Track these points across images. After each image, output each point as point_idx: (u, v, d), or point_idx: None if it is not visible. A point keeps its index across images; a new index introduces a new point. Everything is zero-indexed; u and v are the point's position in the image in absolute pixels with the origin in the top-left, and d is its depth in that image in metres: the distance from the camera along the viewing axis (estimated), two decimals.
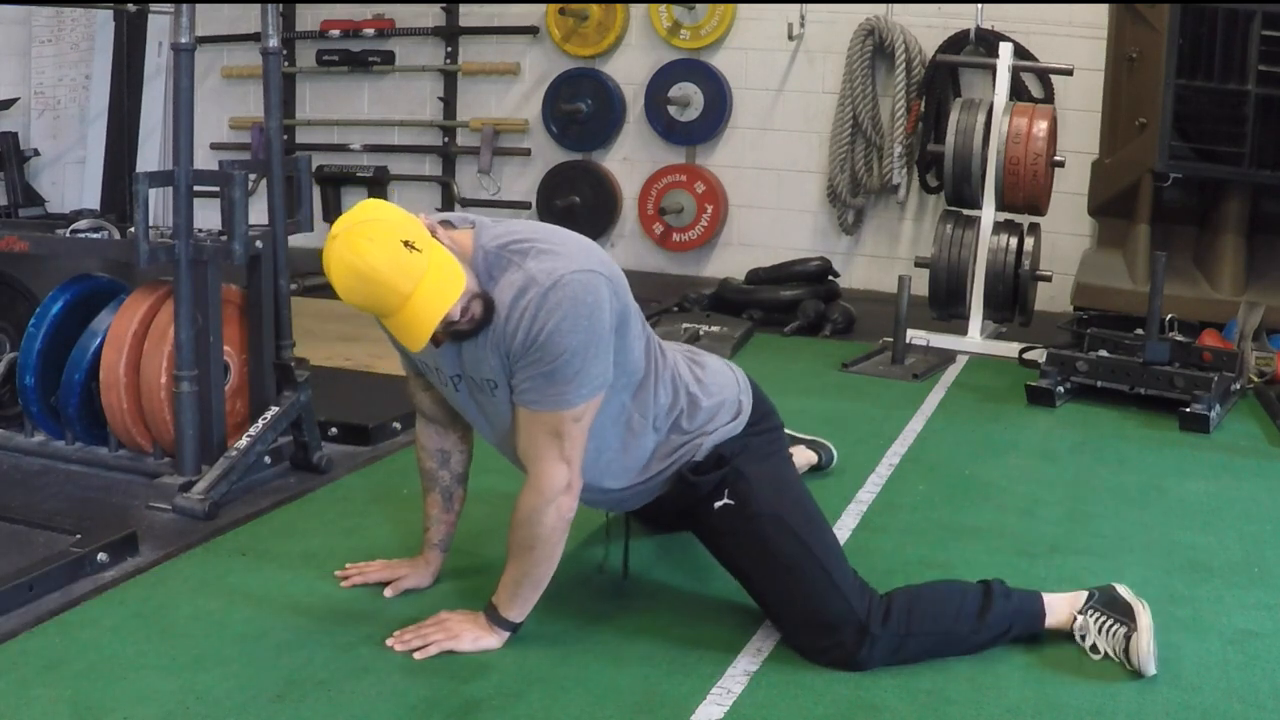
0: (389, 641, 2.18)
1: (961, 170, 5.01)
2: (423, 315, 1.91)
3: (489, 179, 7.07)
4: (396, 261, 1.88)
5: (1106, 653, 2.19)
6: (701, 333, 4.95)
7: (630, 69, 6.72)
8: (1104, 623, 2.21)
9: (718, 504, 2.22)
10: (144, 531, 2.70)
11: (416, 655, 2.14)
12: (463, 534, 2.52)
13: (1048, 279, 5.05)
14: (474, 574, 2.50)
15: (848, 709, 2.02)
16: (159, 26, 7.17)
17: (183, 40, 2.92)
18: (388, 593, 2.41)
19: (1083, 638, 2.22)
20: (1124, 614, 2.20)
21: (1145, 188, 4.96)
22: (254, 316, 3.15)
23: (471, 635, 2.18)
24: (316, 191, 7.01)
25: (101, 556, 2.50)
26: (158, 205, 6.32)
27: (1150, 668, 2.13)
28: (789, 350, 4.98)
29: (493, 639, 2.19)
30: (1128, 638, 2.16)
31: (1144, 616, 2.18)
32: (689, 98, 6.55)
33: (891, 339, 4.71)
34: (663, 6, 6.54)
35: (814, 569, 2.16)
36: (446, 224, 2.07)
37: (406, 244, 1.89)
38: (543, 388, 2.03)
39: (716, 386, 2.28)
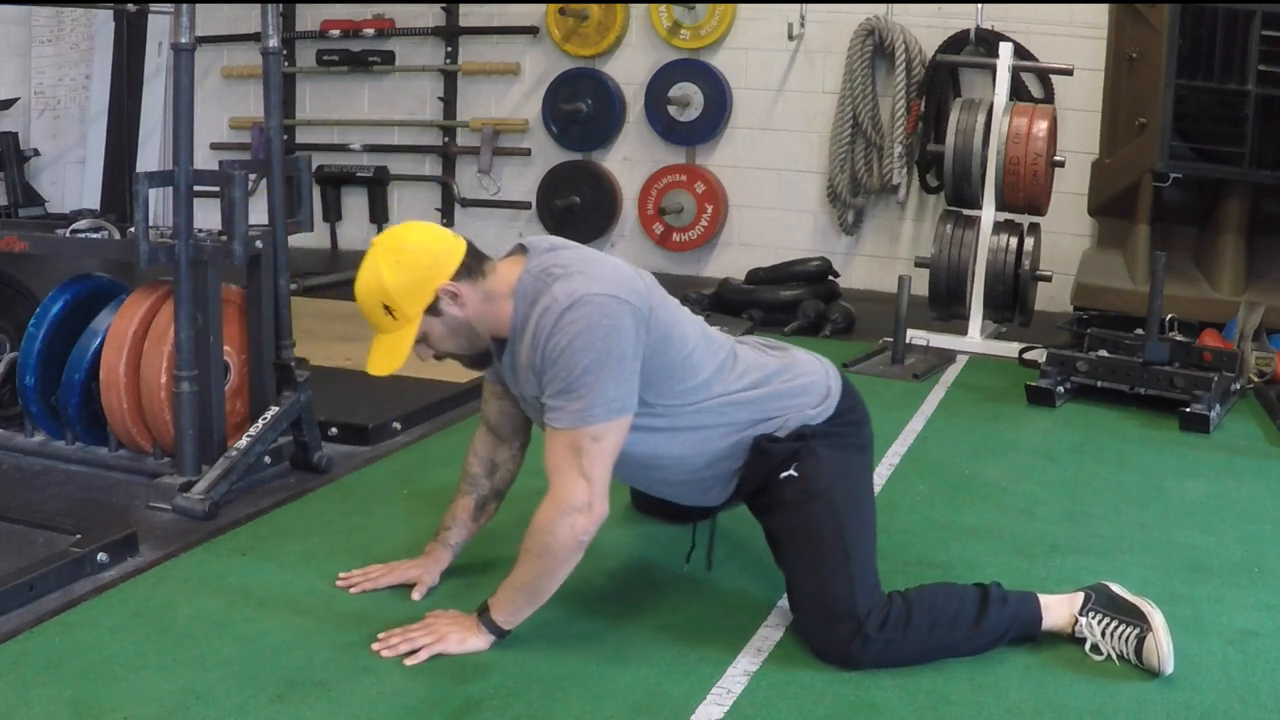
0: (375, 646, 2.17)
1: (961, 170, 5.01)
2: (372, 359, 2.19)
3: (489, 179, 7.07)
4: (374, 312, 2.15)
5: (1109, 654, 2.19)
6: None
7: (630, 69, 6.72)
8: (1110, 624, 2.20)
9: (783, 474, 2.26)
10: (144, 531, 2.70)
11: (407, 661, 2.13)
12: None
13: (1048, 279, 5.05)
14: (472, 573, 2.50)
15: (848, 709, 2.03)
16: (159, 26, 7.18)
17: (183, 40, 2.92)
18: (416, 595, 2.40)
19: (1083, 639, 2.22)
20: (1131, 615, 2.20)
21: (1145, 188, 4.97)
22: (254, 316, 3.14)
23: (458, 637, 2.18)
24: (316, 191, 7.02)
25: (101, 556, 2.50)
26: (158, 205, 6.31)
27: (1169, 666, 2.13)
28: None
29: (479, 640, 2.18)
30: (1140, 638, 2.16)
31: (1156, 616, 2.18)
32: (689, 98, 6.55)
33: (891, 339, 4.71)
34: (663, 6, 6.54)
35: (837, 551, 2.18)
36: (519, 249, 2.22)
37: (386, 308, 2.13)
38: (562, 404, 2.08)
39: (803, 369, 2.35)
